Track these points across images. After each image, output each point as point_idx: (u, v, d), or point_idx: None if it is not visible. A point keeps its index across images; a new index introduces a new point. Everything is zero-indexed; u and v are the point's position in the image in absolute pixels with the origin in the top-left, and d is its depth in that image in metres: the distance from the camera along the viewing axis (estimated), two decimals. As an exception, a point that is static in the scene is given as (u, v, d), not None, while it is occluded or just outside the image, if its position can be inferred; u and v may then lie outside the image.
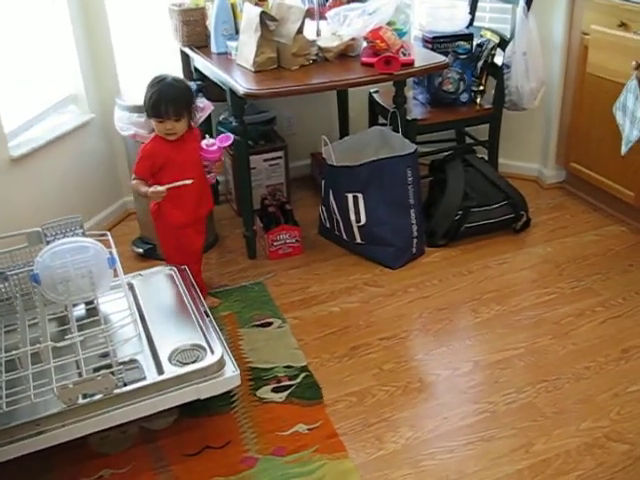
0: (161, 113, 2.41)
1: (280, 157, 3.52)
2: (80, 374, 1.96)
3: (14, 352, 2.00)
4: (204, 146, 2.59)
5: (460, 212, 3.14)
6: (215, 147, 2.60)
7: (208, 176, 2.69)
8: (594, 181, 3.41)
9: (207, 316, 2.32)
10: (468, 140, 3.73)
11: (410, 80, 3.47)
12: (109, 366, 1.98)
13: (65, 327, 2.21)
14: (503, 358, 2.48)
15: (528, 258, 3.10)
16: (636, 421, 2.17)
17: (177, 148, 2.51)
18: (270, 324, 2.71)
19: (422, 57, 3.03)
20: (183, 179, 2.46)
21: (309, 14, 2.95)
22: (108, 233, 2.41)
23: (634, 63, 2.39)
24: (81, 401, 1.92)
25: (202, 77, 3.20)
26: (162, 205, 2.57)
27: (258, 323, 2.71)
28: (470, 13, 3.53)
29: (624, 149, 2.56)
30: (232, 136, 2.65)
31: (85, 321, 2.24)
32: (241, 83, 2.71)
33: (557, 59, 3.48)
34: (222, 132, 3.37)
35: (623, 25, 2.96)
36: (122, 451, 2.13)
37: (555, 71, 3.51)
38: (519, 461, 2.05)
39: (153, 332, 2.24)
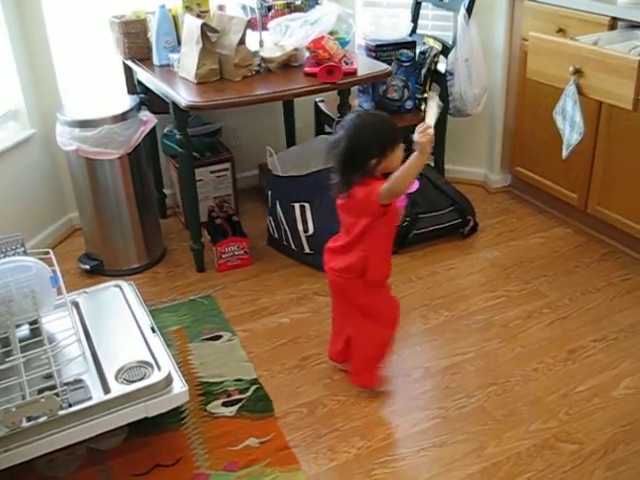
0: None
1: (227, 169, 3.50)
2: (23, 396, 1.91)
3: (-47, 377, 1.95)
4: None
5: (408, 219, 3.15)
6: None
7: None
8: (539, 184, 3.46)
9: (154, 332, 2.29)
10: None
11: (355, 88, 3.48)
12: (53, 387, 1.94)
13: (8, 349, 2.15)
14: (453, 363, 2.50)
15: (476, 263, 3.13)
16: (584, 421, 2.20)
17: None
18: (219, 337, 2.68)
19: (365, 65, 3.04)
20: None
21: (251, 25, 2.94)
22: (50, 251, 2.36)
23: (572, 68, 2.44)
24: (25, 424, 1.88)
25: (145, 90, 3.17)
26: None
27: (207, 337, 2.68)
28: (412, 21, 3.56)
29: (565, 153, 2.61)
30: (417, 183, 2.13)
31: (29, 342, 2.19)
32: (183, 95, 2.69)
33: (499, 65, 3.53)
34: (169, 145, 3.37)
35: (561, 31, 3.01)
36: (70, 473, 2.08)
37: (497, 77, 3.56)
38: (470, 465, 2.06)
39: (99, 350, 2.21)
